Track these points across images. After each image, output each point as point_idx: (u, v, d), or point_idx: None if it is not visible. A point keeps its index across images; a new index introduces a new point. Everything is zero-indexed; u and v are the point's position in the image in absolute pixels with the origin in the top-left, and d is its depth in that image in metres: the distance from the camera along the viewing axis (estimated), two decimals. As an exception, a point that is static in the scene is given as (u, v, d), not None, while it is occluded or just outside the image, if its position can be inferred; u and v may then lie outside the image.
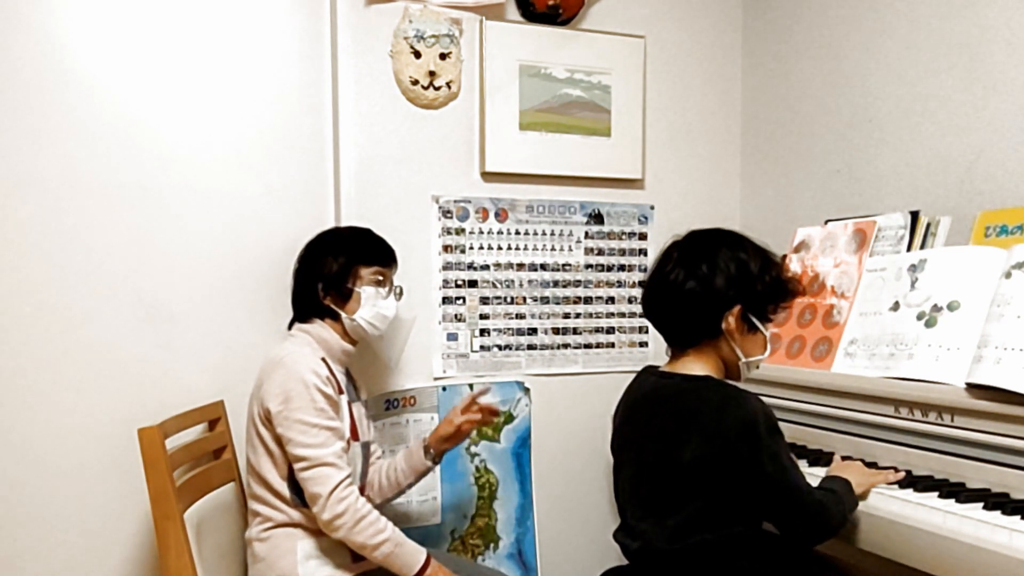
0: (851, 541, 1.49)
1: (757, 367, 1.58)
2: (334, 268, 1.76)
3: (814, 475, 1.60)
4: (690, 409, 1.45)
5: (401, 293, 1.88)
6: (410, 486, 1.93)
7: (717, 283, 1.48)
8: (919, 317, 1.62)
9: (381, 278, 1.81)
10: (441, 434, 1.89)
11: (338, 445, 1.63)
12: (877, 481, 1.51)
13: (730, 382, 1.51)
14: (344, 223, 2.02)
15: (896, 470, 1.56)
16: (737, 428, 1.39)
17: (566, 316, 2.33)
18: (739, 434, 1.39)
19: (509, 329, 2.27)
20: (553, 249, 2.32)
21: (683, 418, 1.45)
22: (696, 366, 1.52)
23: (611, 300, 2.38)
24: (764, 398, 1.81)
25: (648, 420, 1.53)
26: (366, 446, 1.85)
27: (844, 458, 1.67)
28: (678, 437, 1.44)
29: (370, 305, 1.78)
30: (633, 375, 1.68)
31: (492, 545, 2.23)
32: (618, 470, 1.64)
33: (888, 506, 1.43)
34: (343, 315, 1.77)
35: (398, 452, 2.01)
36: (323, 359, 1.70)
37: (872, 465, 1.61)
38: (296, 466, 1.61)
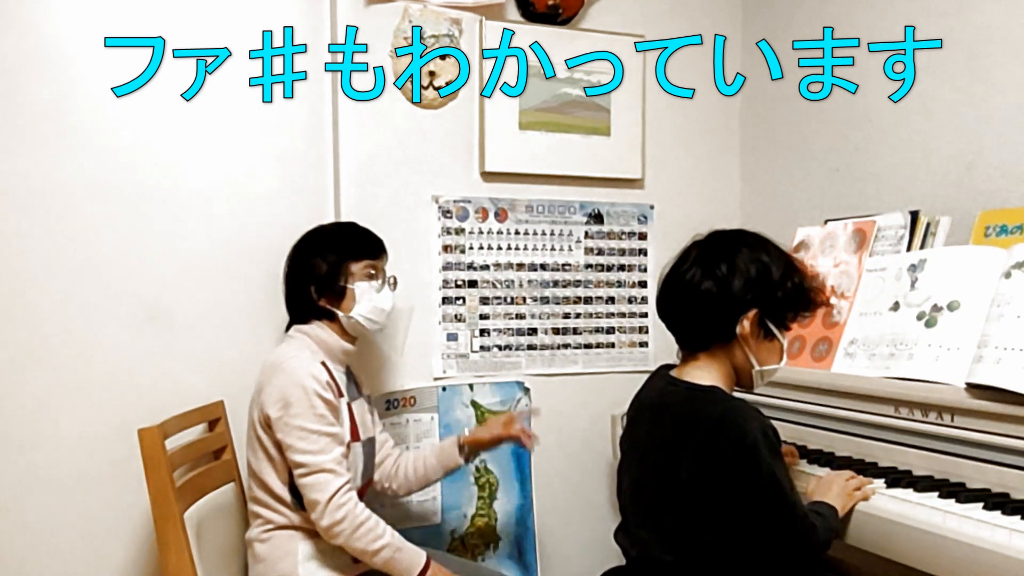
0: (852, 541, 1.49)
1: (772, 376, 1.52)
2: (324, 268, 1.74)
3: (814, 474, 1.60)
4: (688, 422, 1.41)
5: (395, 283, 1.86)
6: (437, 480, 1.97)
7: (735, 284, 1.42)
8: (919, 317, 1.62)
9: (373, 271, 1.78)
10: (478, 438, 1.92)
11: (337, 451, 1.62)
12: (857, 499, 1.48)
13: (736, 395, 1.46)
14: (343, 223, 2.01)
15: (862, 461, 1.58)
16: (734, 449, 1.35)
17: (566, 316, 2.33)
18: (735, 455, 1.35)
19: (509, 329, 2.27)
20: (553, 249, 2.31)
21: (681, 431, 1.42)
22: (705, 373, 1.47)
23: (611, 300, 2.38)
24: (764, 398, 1.84)
25: (651, 427, 1.51)
26: (370, 443, 1.83)
27: (841, 458, 1.67)
28: (676, 450, 1.41)
29: (366, 300, 1.76)
30: (633, 375, 1.67)
31: (492, 545, 2.22)
32: (622, 471, 1.62)
33: (888, 506, 1.43)
34: (340, 314, 1.75)
35: (424, 446, 2.04)
36: (323, 362, 1.69)
37: (872, 465, 1.61)
38: (295, 472, 1.61)
